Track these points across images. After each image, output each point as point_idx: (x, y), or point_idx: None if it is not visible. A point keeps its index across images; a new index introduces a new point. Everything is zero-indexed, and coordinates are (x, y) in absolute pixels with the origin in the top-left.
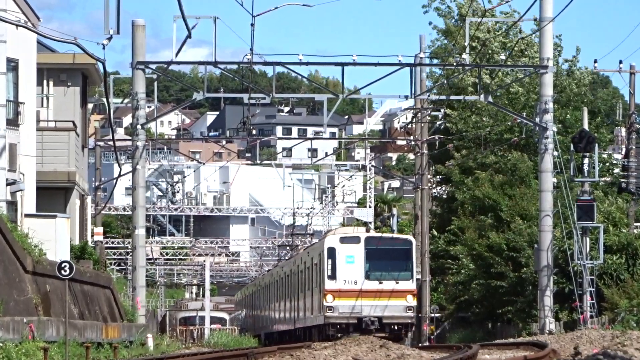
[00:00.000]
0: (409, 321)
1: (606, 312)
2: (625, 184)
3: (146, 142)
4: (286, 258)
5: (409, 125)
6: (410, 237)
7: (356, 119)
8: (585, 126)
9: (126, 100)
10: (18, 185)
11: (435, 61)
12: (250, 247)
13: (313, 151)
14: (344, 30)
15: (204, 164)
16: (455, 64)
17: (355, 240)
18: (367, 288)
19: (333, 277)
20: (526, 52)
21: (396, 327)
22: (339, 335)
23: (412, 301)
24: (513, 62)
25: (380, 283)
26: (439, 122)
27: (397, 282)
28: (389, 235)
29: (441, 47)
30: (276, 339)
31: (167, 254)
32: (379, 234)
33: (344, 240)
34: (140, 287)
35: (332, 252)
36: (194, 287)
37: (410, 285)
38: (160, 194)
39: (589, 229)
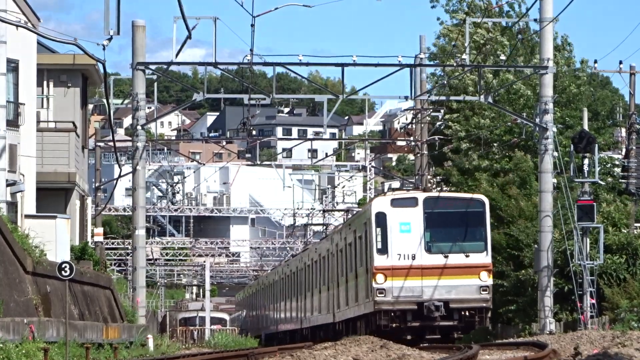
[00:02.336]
0: (484, 305)
1: (607, 312)
2: (625, 185)
3: (146, 142)
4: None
5: (409, 126)
6: (482, 196)
7: (356, 120)
8: (585, 126)
9: (126, 101)
10: (18, 186)
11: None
12: (251, 247)
13: (313, 152)
14: (344, 30)
15: (204, 164)
16: (455, 64)
17: (411, 202)
18: (429, 264)
19: (384, 251)
20: (537, 56)
21: (467, 313)
22: (394, 325)
23: (487, 279)
24: (516, 63)
25: (445, 257)
26: (438, 123)
27: (467, 256)
28: (455, 194)
29: (442, 48)
30: (307, 336)
31: (167, 254)
32: (442, 194)
33: (396, 202)
34: (140, 287)
35: (381, 219)
36: (194, 287)
37: (485, 258)
38: (160, 194)
39: (589, 230)
